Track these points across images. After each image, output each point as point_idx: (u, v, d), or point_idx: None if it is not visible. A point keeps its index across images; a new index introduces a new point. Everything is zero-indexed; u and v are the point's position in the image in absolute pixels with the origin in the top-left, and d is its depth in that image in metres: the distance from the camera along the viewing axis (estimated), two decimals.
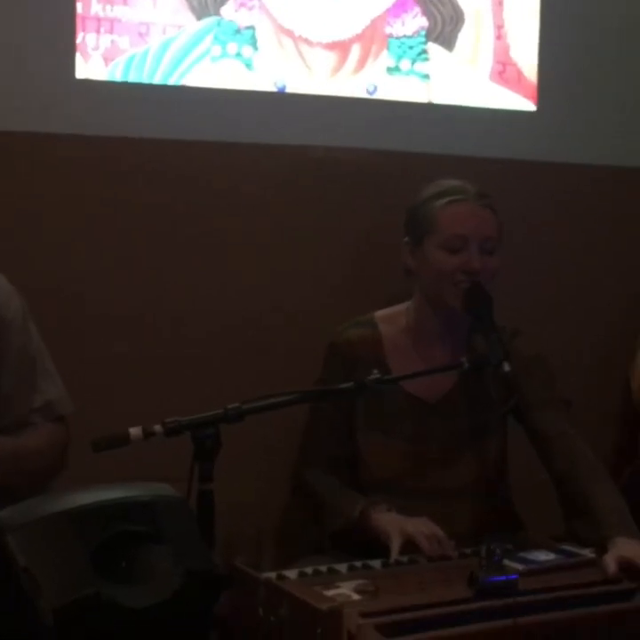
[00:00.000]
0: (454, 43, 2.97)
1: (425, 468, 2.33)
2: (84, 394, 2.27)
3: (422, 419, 2.34)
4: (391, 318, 2.38)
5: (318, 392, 2.09)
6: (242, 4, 2.80)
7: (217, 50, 2.77)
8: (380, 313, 2.41)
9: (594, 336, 3.07)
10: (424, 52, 2.95)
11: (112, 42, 2.70)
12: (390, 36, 2.92)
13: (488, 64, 3.00)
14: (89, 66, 2.68)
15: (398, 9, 2.92)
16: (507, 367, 2.04)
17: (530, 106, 3.05)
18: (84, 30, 2.67)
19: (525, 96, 3.04)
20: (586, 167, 3.04)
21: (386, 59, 2.91)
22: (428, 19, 2.94)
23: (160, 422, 1.82)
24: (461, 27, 2.98)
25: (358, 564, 2.00)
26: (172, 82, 2.74)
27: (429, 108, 2.96)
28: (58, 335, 2.31)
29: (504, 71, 3.02)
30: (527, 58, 3.04)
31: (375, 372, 2.01)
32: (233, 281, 2.79)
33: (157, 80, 2.74)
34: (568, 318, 3.02)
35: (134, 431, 1.80)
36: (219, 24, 2.77)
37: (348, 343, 2.35)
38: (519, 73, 3.04)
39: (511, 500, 2.44)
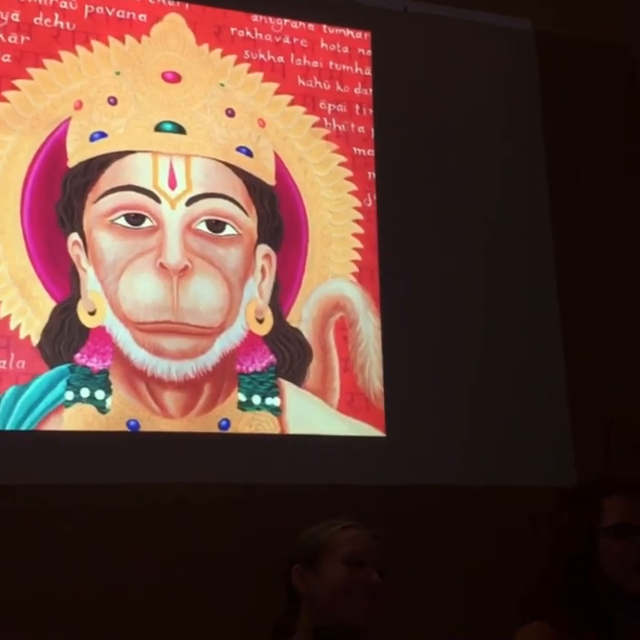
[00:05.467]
0: (303, 377, 3.12)
1: None
2: None
3: None
4: None
5: None
6: (95, 351, 2.91)
7: (70, 395, 2.85)
8: None
9: None
10: (274, 386, 3.08)
11: None
12: (240, 372, 3.05)
13: (336, 395, 3.14)
14: None
15: (247, 347, 3.08)
16: None
17: (378, 432, 3.17)
18: None
19: (374, 424, 3.17)
20: (435, 489, 3.13)
21: (237, 395, 3.03)
22: (277, 356, 3.10)
23: None
24: (309, 361, 3.13)
25: None
26: (24, 428, 2.78)
27: (281, 439, 3.05)
28: None
29: (352, 401, 3.16)
30: (373, 387, 3.19)
31: None
32: None
33: (9, 427, 2.77)
34: None
35: None
36: (72, 370, 2.86)
37: None
38: (367, 401, 3.18)
39: None
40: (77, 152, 3.02)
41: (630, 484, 2.41)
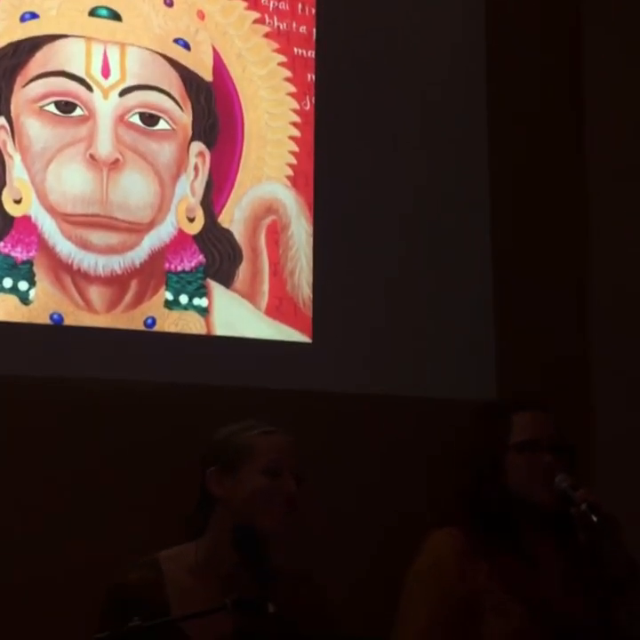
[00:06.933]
0: (232, 278, 3.08)
1: None
2: None
3: None
4: (177, 557, 2.31)
5: None
6: (19, 240, 2.83)
7: None
8: (164, 553, 2.32)
9: None
10: (202, 287, 3.04)
11: None
12: (169, 271, 3.00)
13: (264, 299, 3.12)
14: None
15: (177, 246, 3.02)
16: (271, 608, 2.01)
17: (305, 338, 3.16)
18: None
19: (300, 329, 3.16)
20: (359, 397, 3.15)
21: (164, 293, 2.98)
22: (206, 256, 3.05)
23: None
24: (239, 263, 3.10)
25: None
26: None
27: (208, 340, 3.02)
28: None
29: (280, 305, 3.14)
30: (302, 293, 3.18)
31: (136, 619, 1.94)
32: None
33: None
34: None
35: None
36: None
37: (127, 587, 2.26)
38: (295, 307, 3.16)
39: None
40: (6, 32, 2.88)
41: (539, 400, 2.46)
